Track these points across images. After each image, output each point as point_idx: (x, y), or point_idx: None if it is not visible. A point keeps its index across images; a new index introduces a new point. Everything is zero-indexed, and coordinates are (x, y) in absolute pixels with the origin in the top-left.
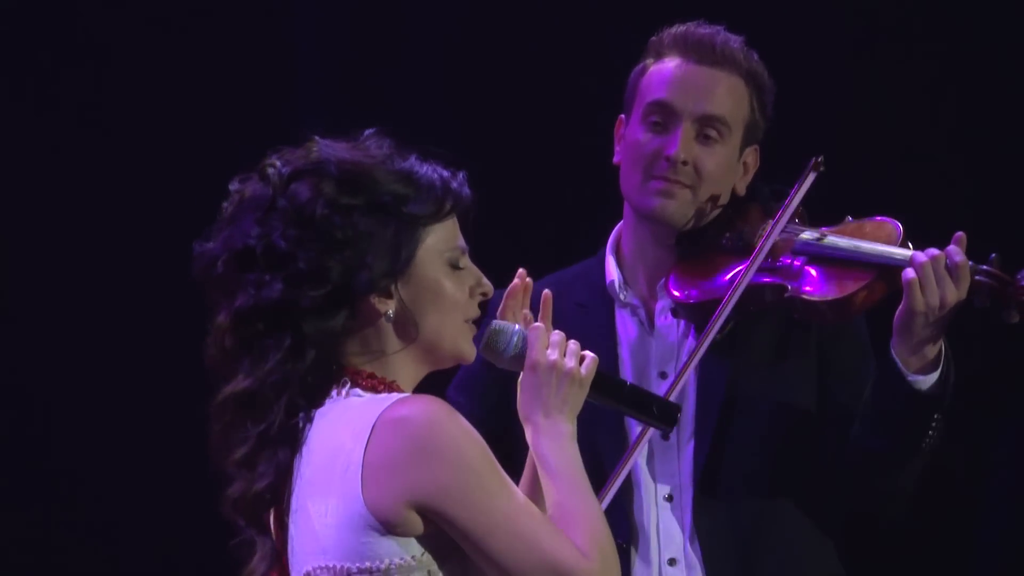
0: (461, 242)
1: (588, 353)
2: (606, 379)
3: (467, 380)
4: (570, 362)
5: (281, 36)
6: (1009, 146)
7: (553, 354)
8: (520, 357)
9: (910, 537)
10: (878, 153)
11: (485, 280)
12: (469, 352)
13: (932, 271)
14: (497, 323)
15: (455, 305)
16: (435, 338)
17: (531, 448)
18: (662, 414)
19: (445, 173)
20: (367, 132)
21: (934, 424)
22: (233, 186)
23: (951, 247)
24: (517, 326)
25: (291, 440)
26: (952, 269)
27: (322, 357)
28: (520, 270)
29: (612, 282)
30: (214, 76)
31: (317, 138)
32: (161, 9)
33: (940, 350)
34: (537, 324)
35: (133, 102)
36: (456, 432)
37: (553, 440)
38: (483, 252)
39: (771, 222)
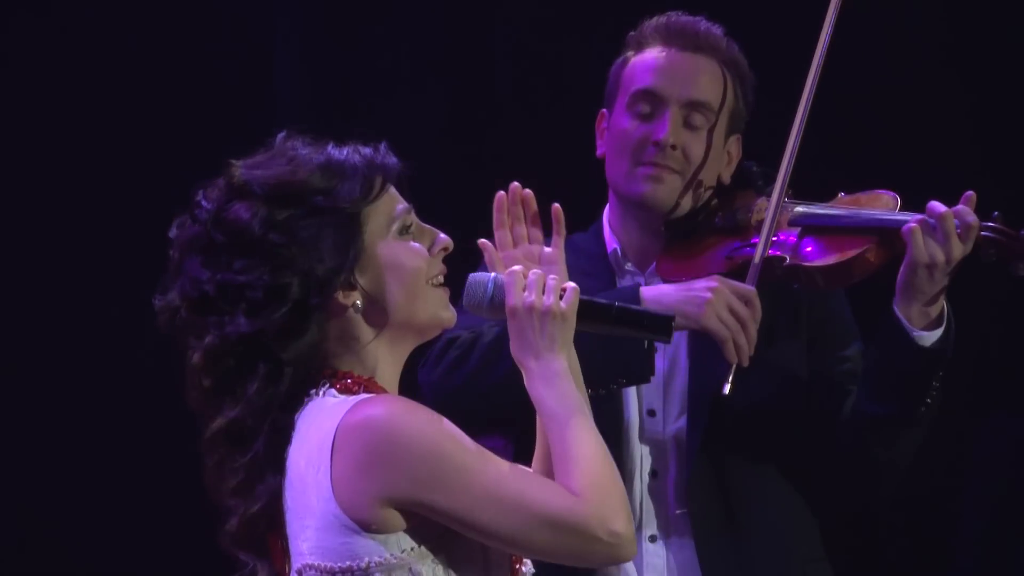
0: (403, 207)
1: (569, 284)
2: (592, 306)
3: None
4: (548, 299)
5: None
6: (1012, 107)
7: (531, 295)
8: (500, 304)
9: (888, 539)
10: (876, 116)
11: (441, 235)
12: (447, 317)
13: (940, 227)
14: (473, 276)
15: (417, 272)
16: (408, 313)
17: (528, 392)
18: (655, 327)
19: (366, 150)
20: (279, 136)
21: (935, 383)
22: (172, 233)
23: (962, 207)
24: (492, 274)
25: (279, 460)
26: (962, 228)
27: (300, 371)
28: (514, 183)
29: (615, 250)
30: (191, 82)
31: (233, 161)
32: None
33: (942, 308)
34: (513, 268)
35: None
36: (416, 422)
37: (546, 381)
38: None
39: (767, 199)
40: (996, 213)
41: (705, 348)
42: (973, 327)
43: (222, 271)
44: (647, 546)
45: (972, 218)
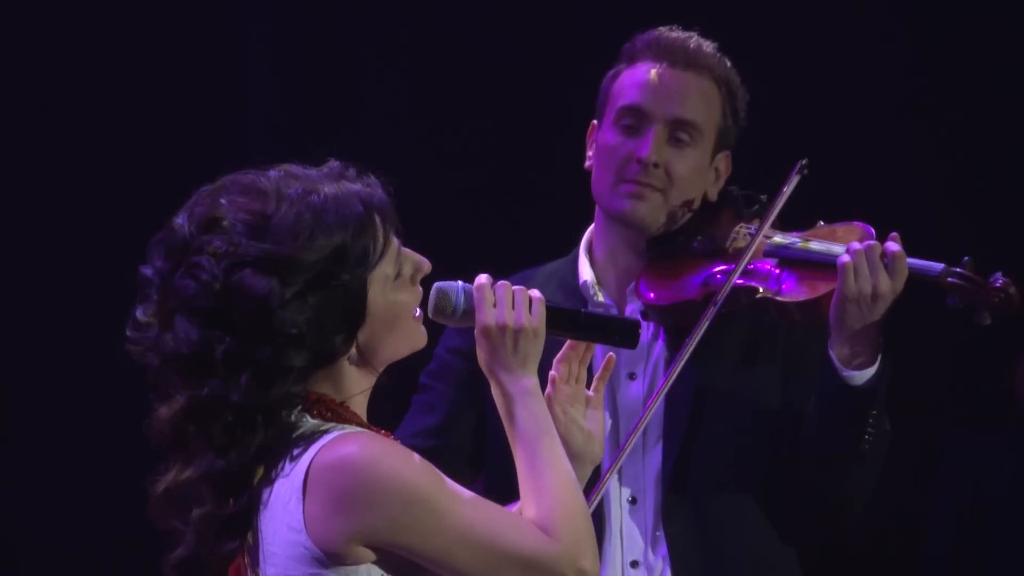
0: (396, 251)
1: (534, 294)
2: (560, 313)
3: (441, 368)
4: (520, 317)
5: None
6: (986, 153)
7: (502, 314)
8: (470, 313)
9: (858, 551)
10: (853, 159)
11: (424, 262)
12: (422, 342)
13: (866, 259)
14: (439, 285)
15: (407, 311)
16: (393, 352)
17: (498, 408)
18: (623, 334)
19: (355, 188)
20: (274, 175)
21: (871, 421)
22: (151, 267)
23: (890, 242)
24: (460, 283)
25: (259, 498)
26: (888, 259)
27: (290, 407)
28: None
29: (585, 282)
30: (162, 92)
31: (224, 205)
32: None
33: (878, 346)
34: (481, 282)
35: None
36: (391, 464)
37: (517, 398)
38: (457, 248)
39: (745, 225)
40: (966, 258)
41: (681, 375)
42: (939, 342)
43: (226, 341)
44: (629, 572)
45: (897, 248)
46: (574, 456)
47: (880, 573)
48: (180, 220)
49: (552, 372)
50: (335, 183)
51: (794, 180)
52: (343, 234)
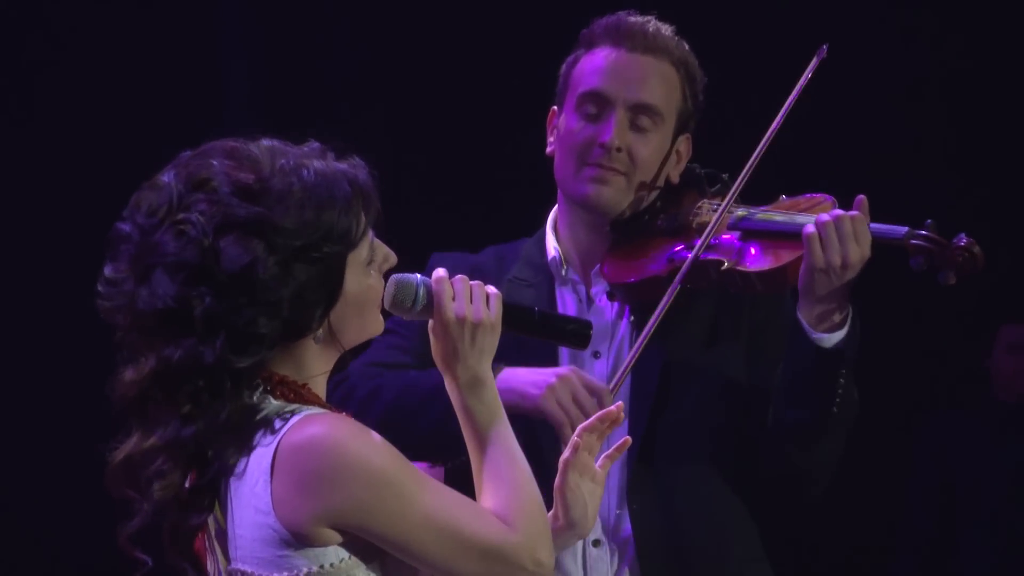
0: (372, 238)
1: (491, 290)
2: (515, 311)
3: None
4: (479, 312)
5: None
6: (949, 117)
7: (461, 308)
8: (428, 307)
9: (832, 528)
10: (815, 128)
11: (392, 255)
12: (380, 329)
13: (835, 230)
14: (397, 278)
15: (375, 300)
16: (357, 336)
17: (453, 401)
18: (574, 335)
19: (341, 167)
20: (264, 144)
21: (841, 383)
22: (131, 223)
23: (856, 212)
24: (418, 276)
25: (225, 479)
26: (854, 228)
27: (253, 383)
28: (619, 403)
29: (553, 258)
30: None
31: (215, 167)
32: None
33: (847, 312)
34: (439, 276)
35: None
36: (359, 447)
37: (473, 391)
38: (418, 232)
39: (708, 201)
40: (929, 221)
41: (646, 353)
42: (914, 324)
43: (206, 300)
44: (591, 551)
45: (857, 214)
46: (568, 524)
47: (854, 553)
48: (166, 178)
49: (575, 438)
50: (322, 160)
51: (813, 65)
52: (330, 210)
